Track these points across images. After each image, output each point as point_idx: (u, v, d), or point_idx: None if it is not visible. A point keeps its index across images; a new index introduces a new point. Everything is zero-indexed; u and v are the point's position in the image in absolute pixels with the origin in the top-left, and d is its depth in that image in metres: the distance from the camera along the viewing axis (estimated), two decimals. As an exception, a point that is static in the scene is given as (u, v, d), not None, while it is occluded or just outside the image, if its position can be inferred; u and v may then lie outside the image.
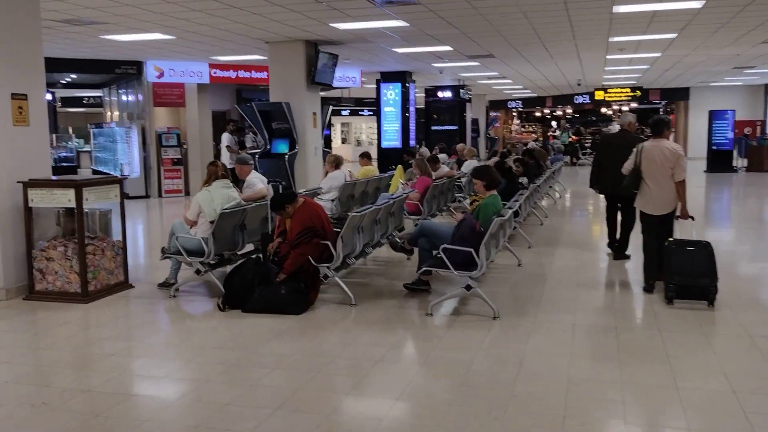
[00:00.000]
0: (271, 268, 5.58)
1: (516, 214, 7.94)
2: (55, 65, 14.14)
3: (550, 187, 13.67)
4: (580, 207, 13.61)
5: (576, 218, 11.86)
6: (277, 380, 3.97)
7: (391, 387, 3.86)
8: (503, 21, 10.42)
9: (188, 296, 6.09)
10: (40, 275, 5.92)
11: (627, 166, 6.14)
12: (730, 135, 20.39)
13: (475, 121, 28.31)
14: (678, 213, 5.98)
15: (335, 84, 17.43)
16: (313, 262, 5.56)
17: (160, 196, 15.13)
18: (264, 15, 9.45)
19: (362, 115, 32.43)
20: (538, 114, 41.60)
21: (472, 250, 5.14)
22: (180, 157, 15.33)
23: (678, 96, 27.78)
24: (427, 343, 4.74)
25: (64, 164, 15.28)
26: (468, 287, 5.23)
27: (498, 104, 34.15)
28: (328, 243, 5.52)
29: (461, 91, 22.73)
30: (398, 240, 6.84)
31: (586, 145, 29.27)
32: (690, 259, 5.60)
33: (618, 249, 7.59)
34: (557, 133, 29.47)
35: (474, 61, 15.80)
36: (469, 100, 24.55)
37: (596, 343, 4.66)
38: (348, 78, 17.50)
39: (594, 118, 36.46)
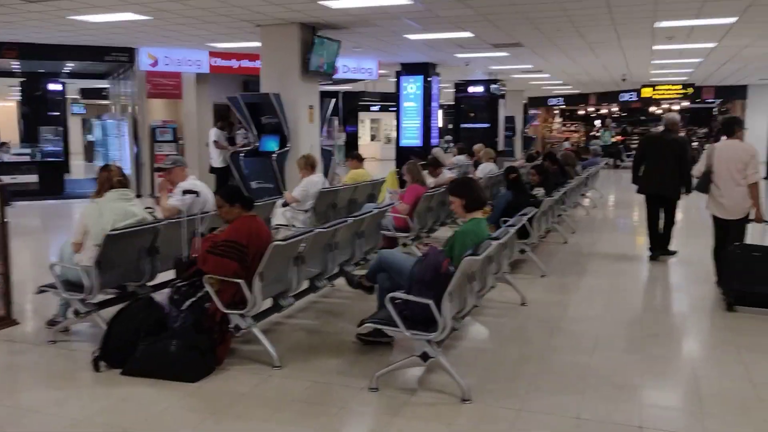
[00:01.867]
0: (170, 309, 4.12)
1: (524, 234, 6.33)
2: (36, 51, 13.05)
3: (582, 195, 11.89)
4: (621, 218, 11.78)
5: (613, 234, 10.01)
6: None
7: None
8: (527, 1, 8.75)
9: (76, 342, 4.66)
10: None
11: (698, 168, 6.02)
12: (794, 138, 18.09)
13: (510, 119, 26.43)
14: (752, 216, 5.73)
15: (350, 76, 16.09)
16: (221, 306, 4.07)
17: (152, 196, 13.87)
18: (237, -11, 8.02)
19: (393, 111, 30.83)
20: (581, 112, 39.38)
21: (430, 302, 3.56)
22: (176, 153, 14.04)
23: (734, 94, 25.32)
24: (350, 447, 3.19)
25: (50, 159, 14.08)
26: (425, 356, 3.64)
27: (538, 101, 32.12)
28: (240, 282, 4.01)
29: (493, 86, 20.97)
30: (355, 273, 5.28)
31: (632, 146, 27.11)
32: (754, 264, 5.32)
33: (660, 246, 7.39)
34: (600, 132, 27.35)
35: (501, 51, 14.07)
36: (503, 96, 22.74)
37: (607, 461, 3.04)
38: (363, 69, 15.98)
39: (643, 118, 34.08)
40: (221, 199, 4.41)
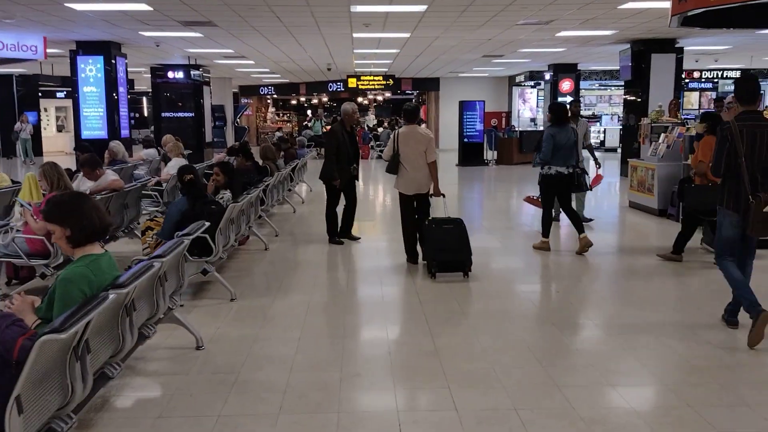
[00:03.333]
0: None
1: (203, 250, 5.08)
2: None
3: (289, 190, 11.02)
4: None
5: (320, 230, 9.22)
6: None
7: None
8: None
9: None
10: None
11: (387, 152, 6.52)
12: (480, 127, 19.68)
13: (219, 108, 24.88)
14: (431, 192, 6.47)
15: (7, 54, 13.06)
16: None
17: None
18: None
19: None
20: (294, 102, 39.35)
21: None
22: None
23: (429, 86, 27.19)
24: None
25: None
26: None
27: (249, 90, 31.00)
28: None
29: (195, 72, 19.23)
30: None
31: (342, 135, 27.48)
32: (447, 236, 6.04)
33: (342, 230, 7.82)
34: (311, 122, 27.26)
35: (194, 32, 12.52)
36: (208, 83, 21.08)
37: None
38: (26, 47, 13.05)
39: (352, 108, 35.12)
40: None
